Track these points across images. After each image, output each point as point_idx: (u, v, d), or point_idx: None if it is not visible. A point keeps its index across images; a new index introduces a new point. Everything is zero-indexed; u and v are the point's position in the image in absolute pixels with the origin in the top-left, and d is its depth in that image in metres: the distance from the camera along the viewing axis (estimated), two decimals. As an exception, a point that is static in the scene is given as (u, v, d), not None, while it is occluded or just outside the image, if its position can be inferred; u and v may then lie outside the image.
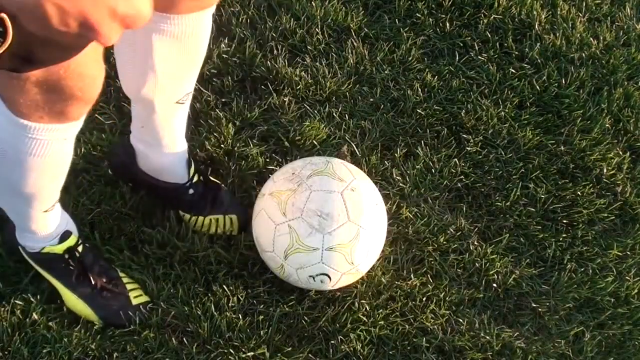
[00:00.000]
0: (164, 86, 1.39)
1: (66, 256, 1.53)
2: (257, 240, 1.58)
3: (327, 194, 1.49)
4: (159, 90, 1.39)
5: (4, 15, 0.87)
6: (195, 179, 1.66)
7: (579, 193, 1.84)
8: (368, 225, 1.51)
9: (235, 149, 1.81)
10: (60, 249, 1.52)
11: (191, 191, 1.66)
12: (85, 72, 1.07)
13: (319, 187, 1.50)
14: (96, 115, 1.84)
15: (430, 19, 2.12)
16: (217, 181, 1.73)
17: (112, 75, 1.90)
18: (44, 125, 1.13)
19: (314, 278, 1.52)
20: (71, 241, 1.53)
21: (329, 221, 1.47)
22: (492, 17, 2.14)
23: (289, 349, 1.56)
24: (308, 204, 1.48)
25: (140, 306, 1.57)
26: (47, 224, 1.47)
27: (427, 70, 2.02)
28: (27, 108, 1.10)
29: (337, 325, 1.59)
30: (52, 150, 1.19)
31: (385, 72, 2.00)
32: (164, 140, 1.55)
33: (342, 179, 1.52)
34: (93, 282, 1.55)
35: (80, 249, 1.54)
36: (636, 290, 1.72)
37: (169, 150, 1.58)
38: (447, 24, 2.11)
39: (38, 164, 1.22)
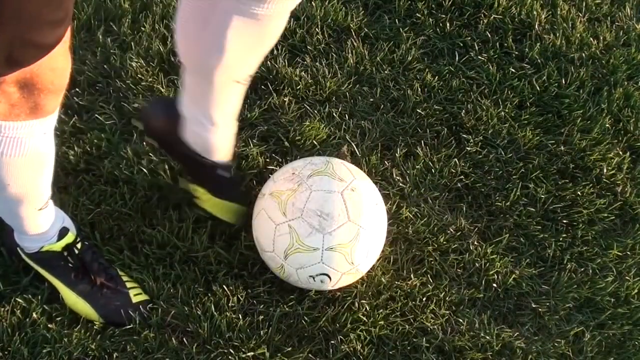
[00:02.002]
0: (229, 65, 1.36)
1: (65, 253, 1.53)
2: (257, 240, 1.58)
3: (327, 194, 1.49)
4: (222, 68, 1.36)
5: None
6: (232, 164, 1.64)
7: (579, 193, 1.84)
8: (368, 225, 1.51)
9: (235, 149, 1.81)
10: (59, 246, 1.52)
11: (225, 174, 1.62)
12: (55, 65, 1.11)
13: (319, 187, 1.50)
14: (96, 115, 1.84)
15: (430, 19, 2.12)
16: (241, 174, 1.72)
17: (111, 75, 1.91)
18: (22, 123, 1.15)
19: (314, 278, 1.52)
20: (69, 238, 1.53)
21: (329, 221, 1.47)
22: (492, 17, 2.14)
23: (289, 349, 1.56)
24: (308, 204, 1.48)
25: (140, 305, 1.57)
26: (43, 222, 1.47)
27: (427, 70, 2.02)
28: (3, 108, 1.12)
29: (337, 325, 1.59)
30: (33, 147, 1.21)
31: (385, 72, 2.00)
32: (216, 119, 1.50)
33: (342, 179, 1.52)
34: (92, 279, 1.55)
35: (79, 246, 1.55)
36: (636, 290, 1.72)
37: (220, 129, 1.53)
38: (447, 24, 2.11)
39: (22, 163, 1.23)
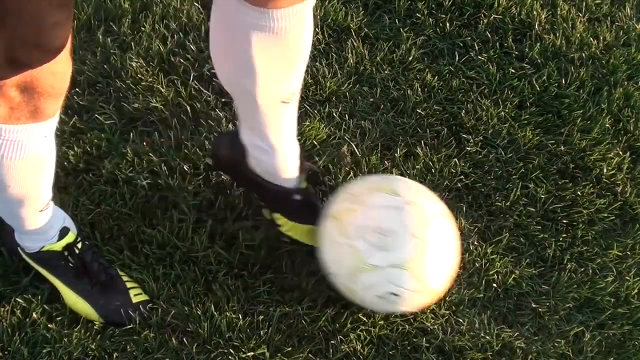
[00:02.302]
0: (265, 84, 1.32)
1: (65, 253, 1.53)
2: (323, 264, 1.54)
3: (386, 210, 1.45)
4: (260, 89, 1.33)
5: None
6: (304, 185, 1.60)
7: (579, 193, 1.84)
8: (431, 239, 1.45)
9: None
10: (59, 246, 1.52)
11: (297, 197, 1.59)
12: (55, 69, 1.11)
13: (377, 204, 1.47)
14: (96, 115, 1.84)
15: (430, 19, 2.12)
16: (322, 189, 1.69)
17: (111, 75, 1.91)
18: (22, 126, 1.15)
19: (383, 298, 1.47)
20: (70, 238, 1.53)
21: (390, 238, 1.43)
22: (492, 17, 2.14)
23: (289, 349, 1.56)
24: (367, 222, 1.45)
25: (141, 305, 1.57)
26: (44, 222, 1.47)
27: (427, 70, 2.02)
28: (3, 111, 1.12)
29: (337, 325, 1.59)
30: (34, 150, 1.21)
31: (385, 72, 2.00)
32: (274, 143, 1.48)
33: (400, 194, 1.48)
34: (93, 279, 1.55)
35: (79, 245, 1.55)
36: (636, 290, 1.72)
37: (282, 153, 1.51)
38: (447, 24, 2.11)
39: (23, 165, 1.23)
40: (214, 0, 1.27)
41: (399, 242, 1.43)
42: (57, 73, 1.12)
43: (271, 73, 1.31)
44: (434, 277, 1.48)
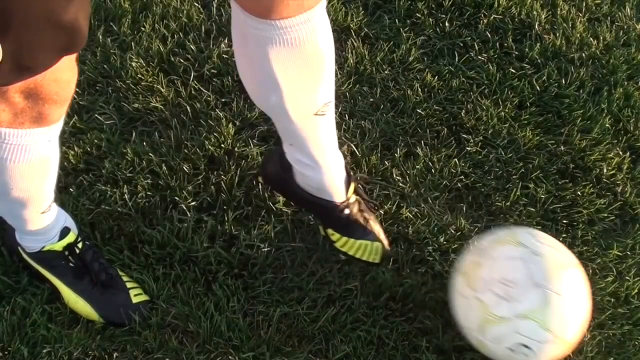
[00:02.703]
0: (293, 98, 1.28)
1: (66, 253, 1.54)
2: (456, 320, 1.53)
3: (512, 262, 1.45)
4: (289, 103, 1.29)
5: None
6: (353, 198, 1.58)
7: (579, 193, 1.84)
8: (560, 289, 1.43)
9: (235, 149, 1.81)
10: (60, 245, 1.52)
11: (347, 211, 1.57)
12: (60, 77, 1.11)
13: (503, 256, 1.47)
14: (96, 115, 1.85)
15: (430, 19, 2.12)
16: (373, 202, 1.67)
17: (111, 75, 1.91)
18: (26, 131, 1.16)
19: (515, 350, 1.44)
20: (70, 238, 1.53)
21: (515, 288, 1.41)
22: (492, 17, 2.14)
23: (289, 349, 1.56)
24: (492, 273, 1.44)
25: (141, 305, 1.57)
26: (45, 223, 1.47)
27: (427, 70, 2.02)
28: (7, 116, 1.12)
29: (337, 325, 1.59)
30: (37, 154, 1.22)
31: (385, 72, 2.00)
32: (316, 157, 1.46)
33: (525, 244, 1.47)
34: (93, 279, 1.55)
35: (80, 245, 1.55)
36: (636, 290, 1.72)
37: (325, 168, 1.48)
38: (447, 24, 2.11)
39: (26, 169, 1.24)
40: (232, 15, 1.25)
41: (524, 292, 1.42)
42: (60, 81, 1.12)
43: (296, 86, 1.27)
44: (564, 328, 1.45)
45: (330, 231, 1.62)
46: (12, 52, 0.98)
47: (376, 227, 1.63)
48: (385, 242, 1.64)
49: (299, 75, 1.26)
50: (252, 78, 1.31)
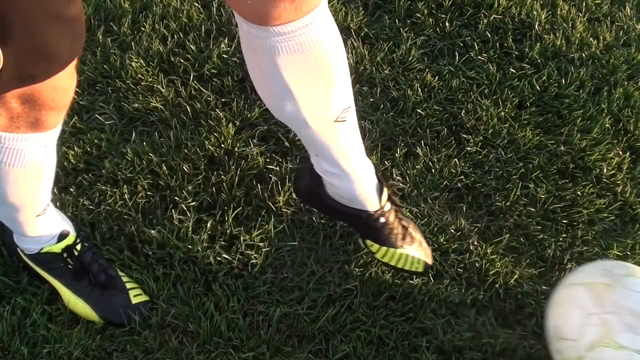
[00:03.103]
0: (309, 106, 1.25)
1: (64, 255, 1.54)
2: (555, 328, 1.52)
3: None
4: (306, 111, 1.26)
5: None
6: (388, 206, 1.53)
7: (579, 193, 1.84)
8: None
9: (235, 149, 1.81)
10: (58, 247, 1.52)
11: (382, 220, 1.52)
12: (58, 84, 1.11)
13: (634, 288, 1.47)
14: (96, 115, 1.85)
15: (430, 19, 2.12)
16: (406, 206, 1.62)
17: (111, 75, 1.91)
18: (22, 135, 1.15)
19: None
20: (69, 240, 1.53)
21: None
22: (492, 17, 2.14)
23: (289, 349, 1.56)
24: (624, 301, 1.44)
25: (141, 305, 1.57)
26: (41, 227, 1.47)
27: (427, 70, 2.02)
28: (3, 120, 1.13)
29: (337, 325, 1.59)
30: (33, 159, 1.21)
31: (385, 72, 2.00)
32: (344, 166, 1.42)
33: None
34: (92, 281, 1.55)
35: (78, 247, 1.55)
36: (636, 290, 1.72)
37: (354, 176, 1.44)
38: (447, 24, 2.11)
39: (21, 174, 1.24)
40: (239, 29, 1.23)
41: None
42: (58, 88, 1.11)
43: (310, 93, 1.24)
44: None
45: (369, 242, 1.58)
46: (15, 60, 0.98)
47: (417, 236, 1.59)
48: (428, 250, 1.61)
49: (310, 81, 1.22)
50: (266, 89, 1.28)
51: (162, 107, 1.87)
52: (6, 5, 0.94)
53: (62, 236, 1.52)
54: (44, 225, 1.47)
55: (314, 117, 1.28)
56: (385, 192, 1.51)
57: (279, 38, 1.14)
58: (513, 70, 2.04)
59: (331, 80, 1.25)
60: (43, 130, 1.18)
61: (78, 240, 1.55)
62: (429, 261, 1.62)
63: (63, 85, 1.12)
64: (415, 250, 1.59)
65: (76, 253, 1.54)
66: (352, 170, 1.43)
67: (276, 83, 1.21)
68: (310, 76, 1.21)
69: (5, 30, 0.95)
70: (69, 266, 1.54)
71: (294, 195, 1.74)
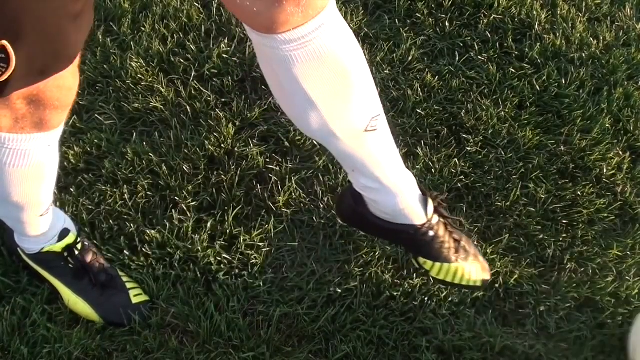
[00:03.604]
0: (333, 115, 1.20)
1: (65, 254, 1.54)
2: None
3: None
4: (332, 122, 1.21)
5: (6, 43, 0.91)
6: (435, 219, 1.46)
7: (579, 193, 1.84)
8: None
9: (235, 149, 1.81)
10: (59, 247, 1.53)
11: (431, 234, 1.45)
12: (63, 84, 1.11)
13: None
14: (96, 115, 1.85)
15: (430, 19, 2.12)
16: (459, 219, 1.55)
17: (111, 75, 1.91)
18: (26, 136, 1.16)
19: None
20: (70, 239, 1.53)
21: None
22: (492, 17, 2.14)
23: (289, 349, 1.56)
24: None
25: (141, 305, 1.57)
26: (44, 226, 1.47)
27: (427, 70, 2.02)
28: (8, 122, 1.13)
29: (337, 325, 1.59)
30: (36, 159, 1.22)
31: (385, 72, 2.00)
32: (381, 179, 1.36)
33: None
34: (92, 280, 1.55)
35: (79, 246, 1.55)
36: (636, 290, 1.72)
37: (394, 188, 1.38)
38: (447, 24, 2.11)
39: (24, 174, 1.24)
40: (253, 43, 1.20)
41: None
42: (63, 87, 1.12)
43: (333, 101, 1.19)
44: None
45: (421, 260, 1.50)
46: (26, 60, 0.98)
47: (471, 249, 1.53)
48: (485, 263, 1.55)
49: (330, 88, 1.17)
50: (287, 101, 1.23)
51: (162, 107, 1.87)
52: (18, 7, 0.94)
53: (63, 235, 1.52)
54: (46, 224, 1.47)
55: (341, 128, 1.22)
56: (431, 203, 1.45)
57: (291, 46, 1.10)
58: (513, 70, 2.04)
59: (351, 85, 1.19)
60: (47, 130, 1.18)
61: (79, 240, 1.55)
62: (487, 276, 1.55)
63: (68, 85, 1.13)
64: (471, 264, 1.52)
65: (77, 252, 1.54)
66: (392, 183, 1.37)
67: (297, 95, 1.17)
68: (330, 83, 1.17)
69: (17, 33, 0.95)
70: (70, 265, 1.55)
71: (294, 195, 1.74)
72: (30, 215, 1.40)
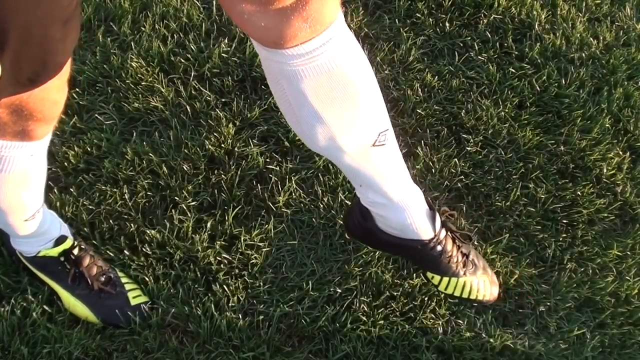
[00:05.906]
0: (341, 130, 1.19)
1: (62, 259, 1.54)
2: None
3: None
4: (339, 137, 1.20)
5: None
6: (443, 233, 1.47)
7: (579, 193, 1.84)
8: None
9: (235, 149, 1.81)
10: (55, 252, 1.53)
11: (439, 248, 1.47)
12: (47, 96, 1.09)
13: None
14: (96, 115, 1.85)
15: (430, 19, 2.12)
16: (467, 233, 1.55)
17: (111, 75, 1.91)
18: (7, 142, 1.15)
19: None
20: (66, 244, 1.53)
21: None
22: (492, 17, 2.14)
23: (289, 349, 1.56)
24: None
25: (140, 306, 1.57)
26: (32, 230, 1.46)
27: (427, 70, 2.02)
28: None
29: (337, 325, 1.59)
30: (18, 166, 1.21)
31: (385, 72, 2.00)
32: (389, 193, 1.36)
33: None
34: (90, 283, 1.55)
35: (75, 251, 1.55)
36: (636, 290, 1.72)
37: (402, 203, 1.38)
38: (447, 24, 2.11)
39: (5, 179, 1.23)
40: (261, 58, 1.19)
41: None
42: (47, 100, 1.10)
43: (339, 115, 1.17)
44: None
45: (429, 275, 1.53)
46: (11, 67, 0.97)
47: (480, 263, 1.55)
48: (494, 277, 1.56)
49: (338, 103, 1.16)
50: (295, 116, 1.21)
51: (162, 107, 1.87)
52: (3, 14, 0.93)
53: (59, 241, 1.52)
54: (34, 228, 1.45)
55: (349, 143, 1.22)
56: (438, 218, 1.46)
57: (298, 61, 1.09)
58: (513, 70, 2.04)
59: (360, 100, 1.18)
60: (29, 140, 1.17)
61: (75, 244, 1.55)
62: (495, 290, 1.57)
63: (52, 98, 1.10)
64: (479, 278, 1.54)
65: (73, 257, 1.54)
66: (400, 198, 1.38)
67: (304, 109, 1.16)
68: (338, 97, 1.15)
69: (2, 42, 0.94)
70: (67, 269, 1.54)
71: (294, 195, 1.74)
72: (14, 219, 1.39)
